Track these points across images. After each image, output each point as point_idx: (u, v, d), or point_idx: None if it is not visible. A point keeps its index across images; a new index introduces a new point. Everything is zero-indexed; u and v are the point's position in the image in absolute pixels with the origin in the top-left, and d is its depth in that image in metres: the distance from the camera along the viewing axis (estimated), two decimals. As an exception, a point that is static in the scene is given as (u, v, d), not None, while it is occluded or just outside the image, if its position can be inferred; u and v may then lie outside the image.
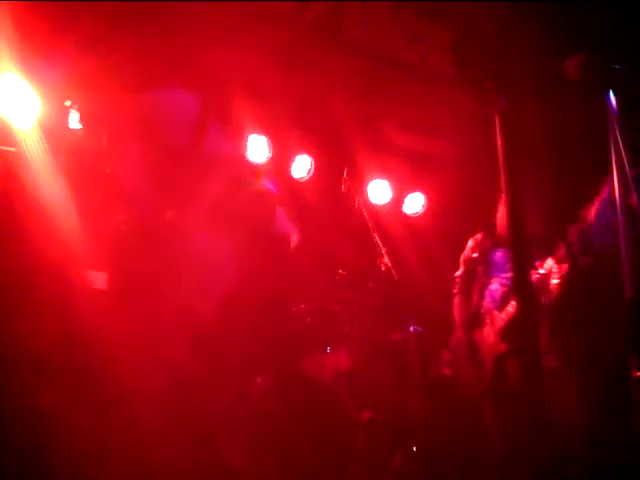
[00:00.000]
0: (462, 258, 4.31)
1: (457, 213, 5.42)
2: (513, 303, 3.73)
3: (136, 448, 3.33)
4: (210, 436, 3.54)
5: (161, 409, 3.49)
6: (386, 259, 4.35)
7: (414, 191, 5.58)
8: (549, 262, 3.65)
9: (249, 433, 3.65)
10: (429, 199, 5.58)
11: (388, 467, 3.95)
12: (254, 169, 4.74)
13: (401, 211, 5.58)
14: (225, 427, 3.66)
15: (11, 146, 3.65)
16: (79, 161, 3.93)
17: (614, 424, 3.21)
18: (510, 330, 3.79)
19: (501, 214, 4.03)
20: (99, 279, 3.76)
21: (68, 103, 3.81)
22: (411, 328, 4.42)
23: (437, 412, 4.29)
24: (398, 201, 5.55)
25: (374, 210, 5.17)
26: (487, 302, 4.01)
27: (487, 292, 4.05)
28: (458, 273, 4.31)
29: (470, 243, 4.28)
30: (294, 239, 4.80)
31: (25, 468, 3.13)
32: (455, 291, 4.28)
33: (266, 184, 4.67)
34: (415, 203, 5.59)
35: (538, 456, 1.76)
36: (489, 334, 3.94)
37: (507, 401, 3.72)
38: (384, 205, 5.46)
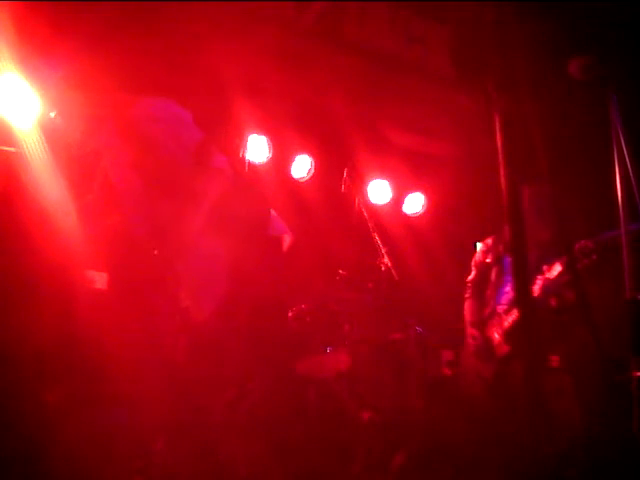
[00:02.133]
0: (473, 262, 4.25)
1: (457, 213, 5.43)
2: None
3: (136, 447, 3.33)
4: (210, 435, 3.54)
5: (161, 408, 3.49)
6: (386, 259, 4.34)
7: (414, 191, 5.59)
8: (557, 267, 3.64)
9: (248, 433, 3.65)
10: (429, 199, 5.59)
11: (388, 467, 3.94)
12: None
13: (401, 211, 5.58)
14: (225, 426, 3.65)
15: (11, 146, 3.65)
16: (79, 161, 3.93)
17: (614, 424, 3.21)
18: (514, 333, 3.78)
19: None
20: (99, 279, 3.76)
21: (52, 115, 3.79)
22: (417, 329, 4.40)
23: (437, 412, 4.29)
24: (398, 201, 5.56)
25: (374, 210, 5.17)
26: (500, 306, 3.98)
27: (501, 296, 4.02)
28: (470, 277, 4.27)
29: (481, 247, 4.24)
30: (287, 241, 4.81)
31: (25, 466, 3.13)
32: (467, 295, 4.21)
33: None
34: (415, 203, 5.60)
35: (538, 457, 1.76)
36: (494, 336, 3.94)
37: (508, 402, 3.72)
38: (384, 205, 5.46)
